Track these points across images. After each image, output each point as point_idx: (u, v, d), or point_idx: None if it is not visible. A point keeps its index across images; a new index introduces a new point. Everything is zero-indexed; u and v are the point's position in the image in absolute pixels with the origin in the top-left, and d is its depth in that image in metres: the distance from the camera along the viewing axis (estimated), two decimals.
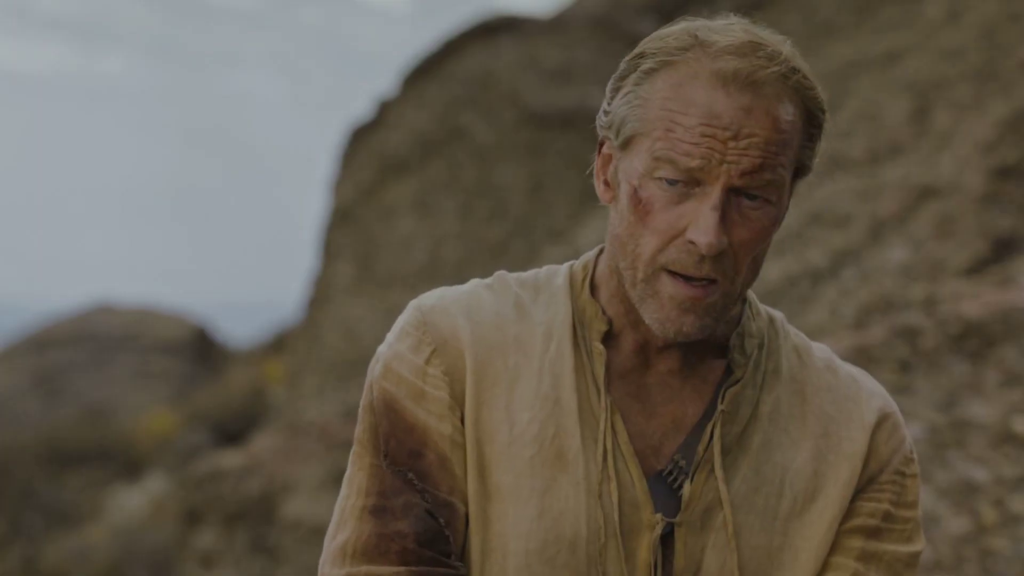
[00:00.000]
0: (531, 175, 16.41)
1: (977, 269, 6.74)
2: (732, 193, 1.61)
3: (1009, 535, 4.45)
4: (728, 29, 1.63)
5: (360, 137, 19.37)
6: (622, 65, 1.67)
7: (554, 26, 18.34)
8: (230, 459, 11.86)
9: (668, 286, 1.62)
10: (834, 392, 1.76)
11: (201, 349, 32.55)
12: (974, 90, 9.23)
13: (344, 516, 1.70)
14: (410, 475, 1.68)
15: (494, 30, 18.63)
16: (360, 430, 1.72)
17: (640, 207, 1.62)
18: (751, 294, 1.77)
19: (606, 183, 1.69)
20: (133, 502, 20.89)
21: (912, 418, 5.06)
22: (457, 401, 1.69)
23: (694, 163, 1.58)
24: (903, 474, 1.76)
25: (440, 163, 17.49)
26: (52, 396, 30.58)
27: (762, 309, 1.78)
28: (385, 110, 19.23)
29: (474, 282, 1.77)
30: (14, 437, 25.42)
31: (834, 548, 1.74)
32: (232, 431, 21.57)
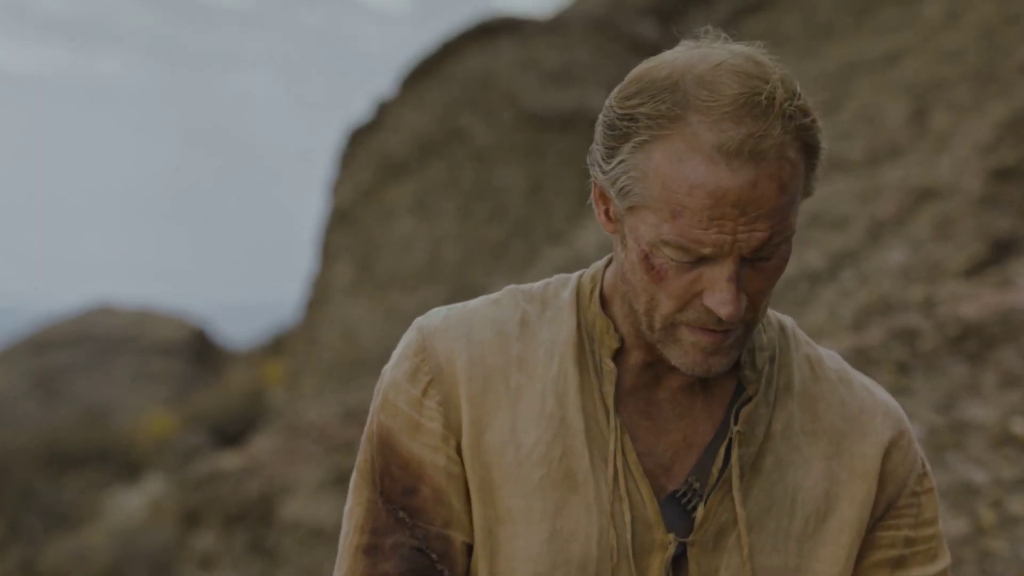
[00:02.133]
0: (530, 176, 16.41)
1: (976, 271, 6.74)
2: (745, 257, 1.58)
3: (1008, 536, 4.45)
4: (719, 79, 1.55)
5: (359, 138, 19.37)
6: (612, 111, 1.60)
7: (553, 27, 18.34)
8: (229, 460, 11.86)
9: (689, 335, 1.60)
10: (847, 406, 1.73)
11: (200, 350, 32.55)
12: (973, 91, 9.23)
13: (342, 553, 1.73)
14: (401, 514, 1.68)
15: (493, 31, 18.63)
16: (361, 460, 1.73)
17: (653, 272, 1.59)
18: None
19: (607, 214, 1.65)
20: (132, 503, 20.88)
21: (911, 420, 5.05)
22: (452, 430, 1.69)
23: (706, 251, 1.55)
24: (917, 493, 1.74)
25: (439, 164, 17.49)
26: (51, 397, 30.58)
27: (772, 317, 1.76)
28: (384, 111, 19.23)
29: (482, 299, 1.76)
30: (13, 438, 25.41)
31: None
32: (231, 432, 21.56)
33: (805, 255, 8.15)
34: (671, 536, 1.66)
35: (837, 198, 8.84)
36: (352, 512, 1.72)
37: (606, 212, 1.65)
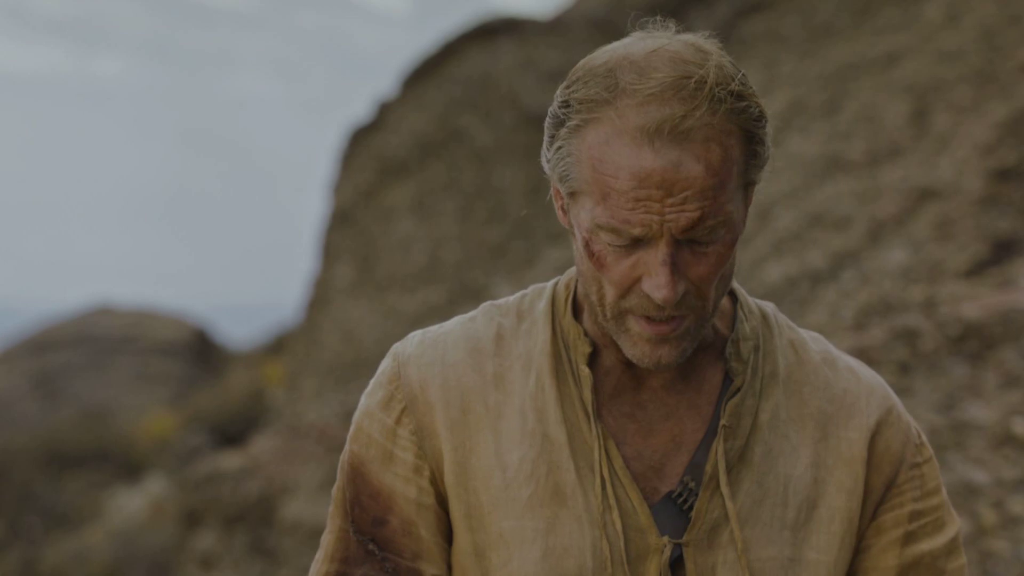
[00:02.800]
0: (530, 177, 16.41)
1: (976, 271, 6.74)
2: (682, 239, 1.57)
3: (1009, 537, 4.45)
4: (651, 65, 1.56)
5: (359, 139, 19.38)
6: (555, 102, 1.62)
7: (553, 27, 18.35)
8: (229, 461, 11.86)
9: (635, 325, 1.59)
10: (831, 388, 1.72)
11: (200, 351, 32.57)
12: (973, 92, 9.23)
13: None
14: (371, 545, 1.68)
15: (493, 32, 18.64)
16: (335, 487, 1.73)
17: (594, 259, 1.59)
18: (741, 292, 1.75)
19: (563, 209, 1.66)
20: (132, 504, 20.89)
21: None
22: (427, 459, 1.68)
23: (635, 231, 1.54)
24: (918, 464, 1.72)
25: (439, 165, 17.50)
26: (51, 398, 30.58)
27: (753, 306, 1.75)
28: (384, 112, 19.24)
29: (458, 318, 1.75)
30: (13, 439, 25.43)
31: (871, 573, 1.71)
32: (231, 433, 21.56)
33: (806, 255, 8.15)
34: (665, 539, 1.65)
35: (837, 198, 8.84)
36: (325, 538, 1.73)
37: (562, 207, 1.66)
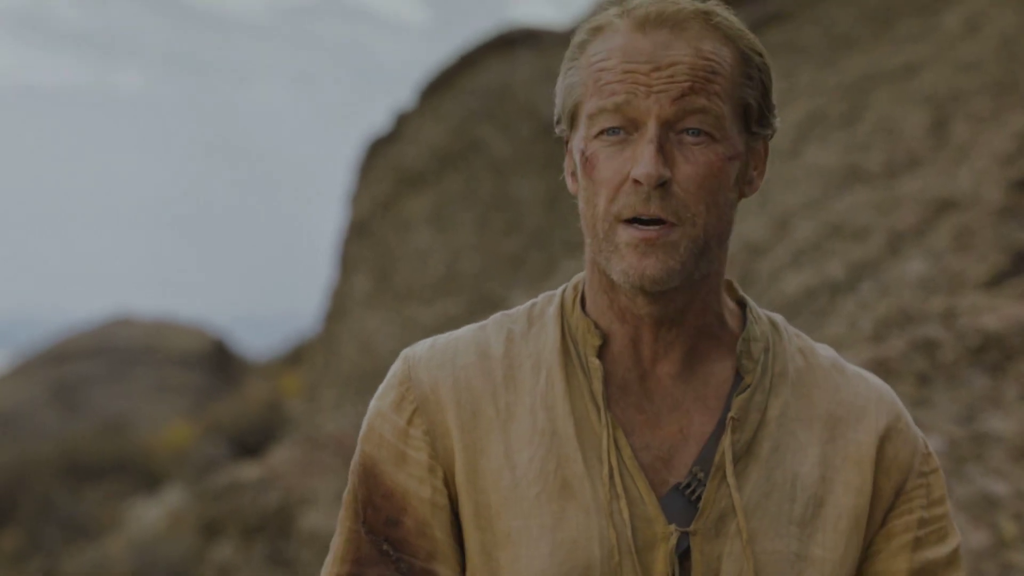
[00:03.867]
0: (548, 188, 16.42)
1: (996, 282, 6.72)
2: (672, 131, 1.62)
3: None
4: None
5: (377, 150, 19.43)
6: None
7: (571, 38, 18.37)
8: (248, 472, 11.88)
9: (624, 234, 1.62)
10: (840, 392, 1.74)
11: (219, 361, 32.65)
12: (992, 102, 9.21)
13: None
14: (385, 545, 1.69)
15: (511, 43, 18.67)
16: (346, 491, 1.74)
17: (588, 165, 1.64)
18: (750, 301, 1.77)
19: (572, 175, 1.71)
20: (151, 515, 20.93)
21: (931, 431, 5.05)
22: (439, 459, 1.69)
23: (620, 98, 1.61)
24: (925, 474, 1.74)
25: (457, 176, 17.52)
26: (70, 409, 30.68)
27: (761, 313, 1.77)
28: (402, 123, 19.28)
29: (469, 326, 1.78)
30: (33, 450, 25.51)
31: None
32: (250, 443, 21.61)
33: (825, 266, 8.14)
34: (672, 527, 1.66)
35: (856, 209, 8.83)
36: (334, 541, 1.73)
37: (571, 173, 1.71)
